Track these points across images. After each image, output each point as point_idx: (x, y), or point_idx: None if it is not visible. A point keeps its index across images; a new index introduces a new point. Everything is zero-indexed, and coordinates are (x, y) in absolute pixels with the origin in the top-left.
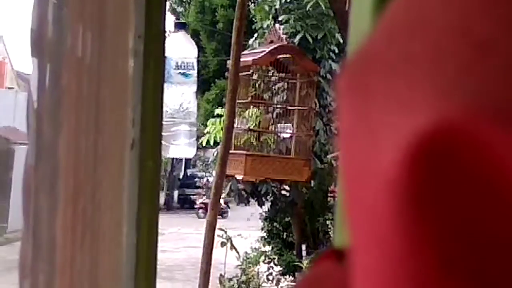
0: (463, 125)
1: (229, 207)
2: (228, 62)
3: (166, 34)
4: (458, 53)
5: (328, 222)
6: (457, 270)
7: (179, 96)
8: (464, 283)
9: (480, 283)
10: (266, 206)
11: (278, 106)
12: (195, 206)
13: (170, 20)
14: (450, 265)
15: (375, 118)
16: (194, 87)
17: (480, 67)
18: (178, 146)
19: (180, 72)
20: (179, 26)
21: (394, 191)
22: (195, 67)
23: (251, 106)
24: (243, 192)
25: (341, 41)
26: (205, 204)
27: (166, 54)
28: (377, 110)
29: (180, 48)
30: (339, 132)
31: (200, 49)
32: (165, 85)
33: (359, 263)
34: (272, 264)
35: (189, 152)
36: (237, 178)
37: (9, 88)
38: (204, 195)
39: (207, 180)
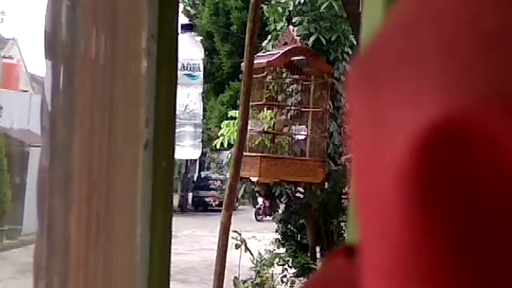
0: (472, 117)
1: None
2: (242, 64)
3: None
4: (466, 45)
5: (342, 224)
6: (466, 260)
7: (185, 98)
8: (474, 273)
9: (489, 272)
10: (281, 208)
11: (292, 108)
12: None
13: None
14: (459, 256)
15: (384, 110)
16: (200, 89)
17: (489, 59)
18: (183, 147)
19: (186, 74)
20: (186, 27)
21: (404, 182)
22: (201, 69)
23: (265, 108)
24: (257, 194)
25: (355, 42)
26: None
27: None
28: (386, 102)
29: (186, 50)
30: (349, 125)
31: (214, 51)
32: None
33: (368, 256)
34: (286, 266)
35: (194, 153)
36: (252, 180)
37: (23, 90)
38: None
39: (221, 182)
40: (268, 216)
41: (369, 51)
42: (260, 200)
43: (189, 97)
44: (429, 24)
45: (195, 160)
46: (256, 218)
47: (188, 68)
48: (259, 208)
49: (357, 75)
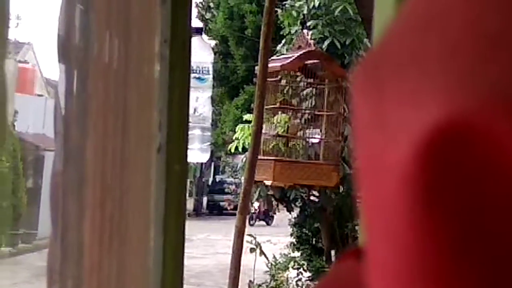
0: (476, 119)
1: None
2: (256, 68)
3: None
4: (470, 47)
5: (357, 227)
6: (471, 261)
7: (194, 101)
8: (478, 273)
9: (494, 273)
10: (295, 212)
11: (307, 111)
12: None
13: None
14: (464, 257)
15: (388, 112)
16: (209, 92)
17: (492, 60)
18: (192, 150)
19: (195, 77)
20: (196, 31)
21: (408, 184)
22: (211, 72)
23: (279, 112)
24: (272, 198)
25: (369, 46)
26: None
27: None
28: (390, 104)
29: (195, 53)
30: (354, 127)
31: (229, 55)
32: None
33: (373, 257)
34: (301, 270)
35: (202, 156)
36: (266, 183)
37: (38, 95)
38: (232, 201)
39: (236, 186)
40: (261, 221)
41: (374, 53)
42: (256, 204)
43: (198, 100)
44: (432, 26)
45: (210, 164)
46: (249, 222)
47: (198, 71)
48: (253, 213)
49: (362, 77)
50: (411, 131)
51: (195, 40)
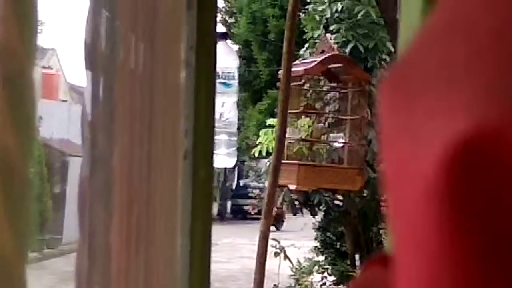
0: (503, 130)
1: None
2: (279, 72)
3: None
4: (496, 58)
5: (381, 231)
6: (498, 271)
7: (220, 106)
8: (505, 282)
9: None
10: (319, 216)
11: (330, 115)
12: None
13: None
14: (490, 266)
15: (415, 121)
16: (234, 97)
17: None
18: (218, 155)
19: (220, 82)
20: (221, 36)
21: (435, 194)
22: (236, 77)
23: (303, 116)
24: (296, 202)
25: (392, 50)
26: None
27: None
28: (417, 114)
29: (221, 58)
30: (381, 136)
31: (252, 59)
32: None
33: (401, 265)
34: (325, 274)
35: (229, 161)
36: (290, 188)
37: (62, 100)
38: (257, 205)
39: (260, 190)
40: (272, 226)
41: (401, 63)
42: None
43: (224, 105)
44: (458, 37)
45: (234, 169)
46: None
47: (223, 77)
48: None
49: (389, 87)
50: (438, 142)
51: (220, 46)
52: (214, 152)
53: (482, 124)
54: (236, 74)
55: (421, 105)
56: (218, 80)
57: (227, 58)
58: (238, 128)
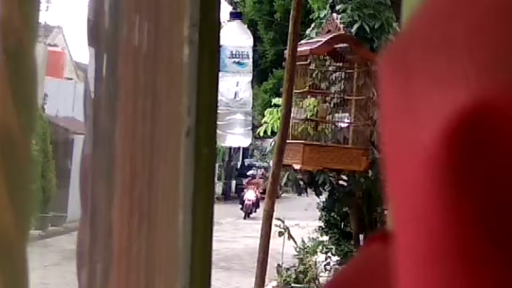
0: (502, 102)
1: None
2: (285, 52)
3: (222, 24)
4: (496, 32)
5: (386, 212)
6: (499, 242)
7: (234, 86)
8: (506, 255)
9: None
10: (324, 196)
11: (336, 95)
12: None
13: (225, 9)
14: (491, 238)
15: (415, 95)
16: (249, 76)
17: None
18: (234, 135)
19: (235, 61)
20: (234, 15)
21: (435, 166)
22: (250, 56)
23: (308, 96)
24: (300, 182)
25: (399, 30)
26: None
27: (221, 43)
28: (417, 87)
29: (235, 37)
30: (381, 112)
31: (258, 39)
32: (220, 74)
33: (401, 240)
34: (329, 254)
35: (244, 141)
36: (295, 167)
37: (68, 78)
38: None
39: (265, 169)
40: (254, 213)
41: (401, 38)
42: (251, 195)
43: (238, 85)
44: (459, 11)
45: (239, 148)
46: (246, 215)
47: (237, 56)
48: (247, 203)
49: (390, 61)
50: (438, 114)
51: (234, 25)
52: (230, 131)
53: (482, 95)
54: (250, 53)
55: (421, 79)
56: (232, 60)
57: (240, 37)
58: (252, 107)
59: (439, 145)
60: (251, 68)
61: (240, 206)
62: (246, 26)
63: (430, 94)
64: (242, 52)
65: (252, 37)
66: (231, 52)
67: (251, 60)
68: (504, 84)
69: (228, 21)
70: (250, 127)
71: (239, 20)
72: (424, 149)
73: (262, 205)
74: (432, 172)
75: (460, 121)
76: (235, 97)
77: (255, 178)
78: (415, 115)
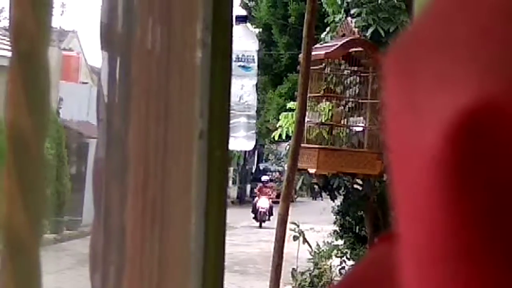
0: (505, 102)
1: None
2: (300, 56)
3: None
4: (499, 32)
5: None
6: (502, 242)
7: (239, 89)
8: (510, 253)
9: None
10: (339, 200)
11: (350, 99)
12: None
13: (236, 13)
14: (494, 236)
15: (419, 95)
16: (254, 80)
17: None
18: (237, 138)
19: (240, 65)
20: (240, 19)
21: (439, 166)
22: (255, 60)
23: (323, 100)
24: (315, 186)
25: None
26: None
27: None
28: (421, 87)
29: (240, 41)
30: (385, 111)
31: (272, 43)
32: None
33: (405, 240)
34: (344, 258)
35: (247, 144)
36: (310, 171)
37: (83, 82)
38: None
39: (280, 173)
40: (268, 221)
41: (405, 38)
42: (264, 202)
43: (243, 88)
44: (463, 13)
45: (254, 152)
46: (260, 225)
47: (243, 60)
48: (262, 211)
49: (393, 62)
50: (441, 114)
51: (239, 28)
52: (233, 135)
53: (485, 95)
54: (256, 57)
55: (424, 79)
56: (237, 63)
57: (246, 41)
58: (258, 111)
59: (442, 145)
60: (256, 72)
61: (253, 215)
62: (260, 30)
63: (434, 94)
64: (247, 56)
65: (257, 41)
66: (237, 55)
67: (256, 64)
68: (507, 85)
69: (235, 24)
70: (253, 131)
71: (245, 24)
72: (427, 149)
73: (275, 211)
74: (435, 172)
75: (463, 121)
76: (239, 101)
77: (268, 183)
78: (418, 115)
